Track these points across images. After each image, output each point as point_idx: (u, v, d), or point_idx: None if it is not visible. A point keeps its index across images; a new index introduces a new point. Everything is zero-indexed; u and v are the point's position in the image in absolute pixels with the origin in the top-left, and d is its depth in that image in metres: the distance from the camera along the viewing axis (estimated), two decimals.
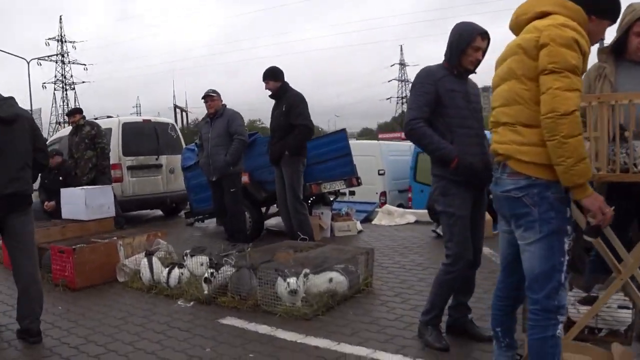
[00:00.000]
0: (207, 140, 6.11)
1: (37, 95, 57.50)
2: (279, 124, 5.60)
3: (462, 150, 2.87)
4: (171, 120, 10.81)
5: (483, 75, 3.19)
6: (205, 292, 4.02)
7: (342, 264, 4.15)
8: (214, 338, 3.30)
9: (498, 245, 2.49)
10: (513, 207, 2.18)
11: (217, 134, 6.03)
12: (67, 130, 11.15)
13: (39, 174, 3.90)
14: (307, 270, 3.82)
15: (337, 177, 6.83)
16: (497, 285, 2.52)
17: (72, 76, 63.09)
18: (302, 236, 5.31)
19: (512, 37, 2.30)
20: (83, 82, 63.62)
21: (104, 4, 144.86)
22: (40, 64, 49.51)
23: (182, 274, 4.32)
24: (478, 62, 2.98)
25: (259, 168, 6.73)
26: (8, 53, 34.23)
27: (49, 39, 61.32)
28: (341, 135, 7.14)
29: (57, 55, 59.98)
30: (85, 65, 61.30)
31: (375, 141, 14.05)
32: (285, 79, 5.69)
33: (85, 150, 7.31)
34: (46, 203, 7.35)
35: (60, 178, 7.36)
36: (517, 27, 2.27)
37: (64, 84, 63.02)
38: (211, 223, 8.66)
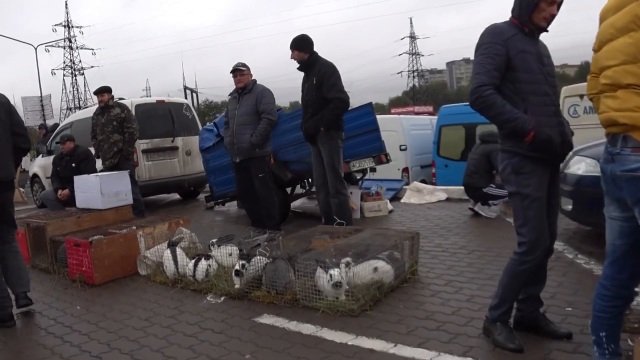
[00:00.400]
0: (234, 117, 5.48)
1: (47, 82, 57.13)
2: (310, 98, 5.09)
3: (538, 122, 2.45)
4: (186, 100, 10.37)
5: None
6: (237, 286, 3.64)
7: (386, 250, 3.75)
8: (253, 341, 2.92)
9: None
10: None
11: (244, 112, 5.40)
12: (77, 115, 10.85)
13: (23, 158, 3.98)
14: (349, 260, 3.43)
15: (365, 154, 6.40)
16: (601, 282, 2.11)
17: (80, 61, 63.11)
18: (338, 220, 4.87)
19: None
20: (92, 67, 63.84)
21: None
22: (48, 50, 49.27)
23: (209, 266, 3.95)
24: (552, 18, 2.54)
25: (282, 147, 6.32)
26: (15, 40, 34.10)
27: (56, 24, 61.12)
28: (367, 110, 6.66)
29: (64, 40, 59.70)
30: (93, 50, 61.34)
31: (397, 115, 13.47)
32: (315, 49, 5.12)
33: (113, 133, 6.84)
34: (60, 192, 7.02)
35: (73, 165, 6.98)
36: None
37: (73, 69, 62.99)
38: (232, 206, 8.30)
